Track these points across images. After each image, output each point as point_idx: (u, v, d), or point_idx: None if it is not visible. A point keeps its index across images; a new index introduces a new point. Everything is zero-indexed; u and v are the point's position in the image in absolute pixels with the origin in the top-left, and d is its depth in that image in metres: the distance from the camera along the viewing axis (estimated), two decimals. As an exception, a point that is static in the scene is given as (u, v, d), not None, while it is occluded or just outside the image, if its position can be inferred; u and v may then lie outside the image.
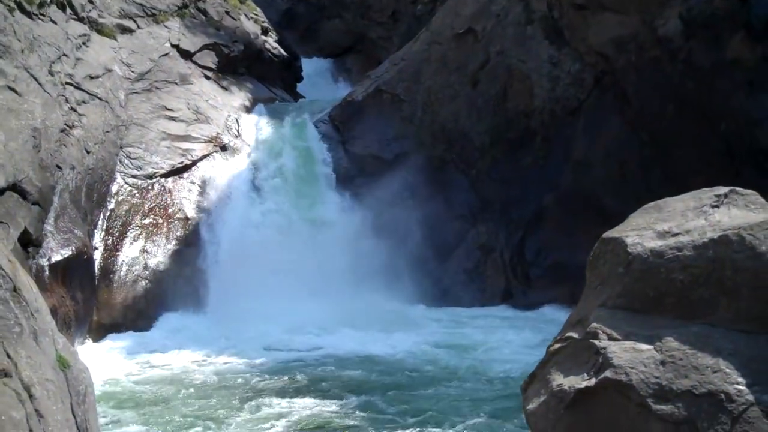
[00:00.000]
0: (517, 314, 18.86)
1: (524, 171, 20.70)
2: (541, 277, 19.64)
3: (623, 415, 5.02)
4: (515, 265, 20.36)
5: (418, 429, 11.50)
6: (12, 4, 17.65)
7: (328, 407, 12.50)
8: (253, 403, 12.70)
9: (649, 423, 4.88)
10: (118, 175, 19.38)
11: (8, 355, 5.99)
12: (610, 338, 5.27)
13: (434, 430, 11.41)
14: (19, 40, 17.18)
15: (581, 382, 5.22)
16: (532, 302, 19.17)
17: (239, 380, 14.16)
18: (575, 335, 5.58)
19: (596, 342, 5.28)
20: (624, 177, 19.38)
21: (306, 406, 12.52)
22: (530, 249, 20.30)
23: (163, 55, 23.10)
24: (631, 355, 5.08)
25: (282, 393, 13.31)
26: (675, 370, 4.94)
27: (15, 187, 14.64)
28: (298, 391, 13.38)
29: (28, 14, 18.39)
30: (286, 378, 14.23)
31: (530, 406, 5.55)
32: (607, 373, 5.07)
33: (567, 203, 19.92)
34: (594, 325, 5.40)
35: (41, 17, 18.94)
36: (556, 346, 5.69)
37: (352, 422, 11.88)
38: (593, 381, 5.15)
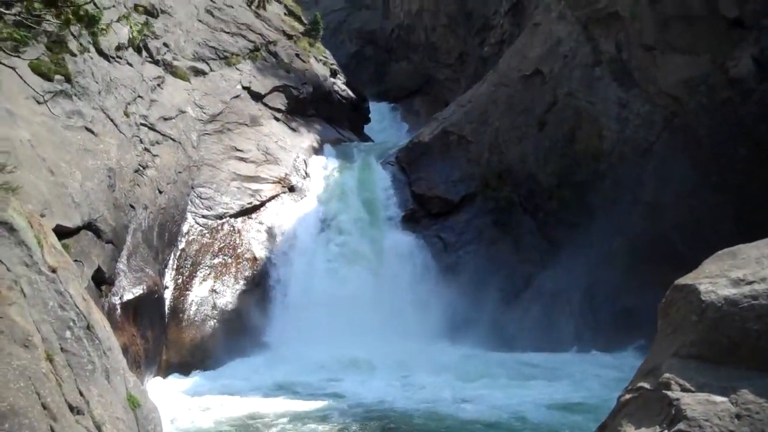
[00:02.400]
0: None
1: (593, 214, 20.43)
2: (611, 322, 19.25)
3: (697, 470, 4.88)
4: (584, 310, 20.03)
5: None
6: (90, 47, 18.22)
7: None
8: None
9: (724, 478, 4.74)
10: (189, 215, 19.72)
11: (81, 393, 6.11)
12: (683, 389, 5.15)
13: None
14: (97, 82, 17.69)
15: (653, 434, 5.11)
16: (601, 348, 18.79)
17: (311, 426, 13.68)
18: (647, 385, 5.46)
19: (669, 393, 5.17)
20: (696, 221, 19.00)
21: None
22: (599, 294, 19.95)
23: (234, 97, 23.60)
24: (705, 408, 4.96)
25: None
26: (751, 424, 4.80)
27: (90, 226, 14.95)
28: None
29: (106, 57, 18.96)
30: (362, 427, 13.73)
31: (600, 458, 5.43)
32: (681, 426, 4.94)
33: (637, 247, 19.56)
34: (666, 375, 5.28)
35: (118, 60, 19.51)
36: (627, 396, 5.57)
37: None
38: (666, 433, 5.03)
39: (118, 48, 19.60)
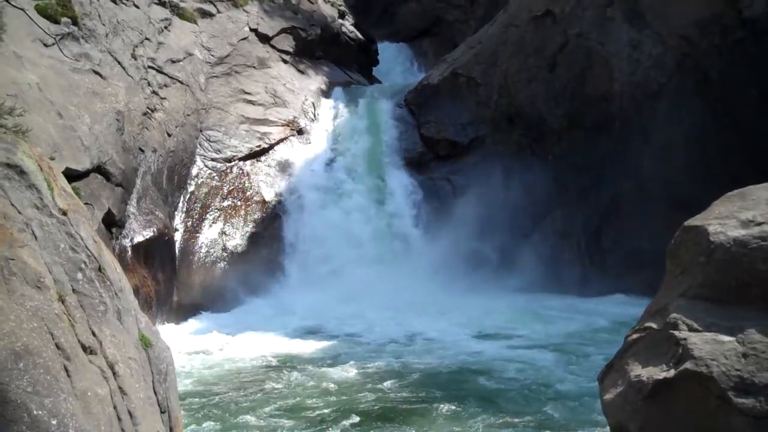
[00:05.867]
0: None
1: (602, 156, 20.35)
2: (618, 264, 19.30)
3: (703, 408, 4.94)
4: (592, 252, 20.08)
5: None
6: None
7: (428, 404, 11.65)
8: (334, 393, 12.31)
9: (730, 416, 4.79)
10: (198, 158, 19.76)
11: (93, 333, 6.18)
12: (691, 329, 5.18)
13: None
14: (104, 25, 17.58)
15: (660, 373, 5.15)
16: (608, 290, 18.85)
17: (325, 368, 13.65)
18: (654, 325, 5.50)
19: (676, 333, 5.20)
20: (705, 163, 18.91)
21: (395, 398, 11.90)
22: (607, 236, 19.98)
23: (242, 39, 23.41)
24: (712, 347, 5.00)
25: (359, 382, 12.87)
26: (757, 363, 4.84)
27: (99, 169, 15.00)
28: (381, 380, 12.82)
29: (113, -1, 18.84)
30: (366, 365, 13.76)
31: (607, 397, 5.49)
32: (687, 365, 4.99)
33: (646, 189, 19.52)
34: (674, 315, 5.31)
35: (125, 2, 19.35)
36: (635, 336, 5.62)
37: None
38: (672, 372, 5.07)
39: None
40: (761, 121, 18.43)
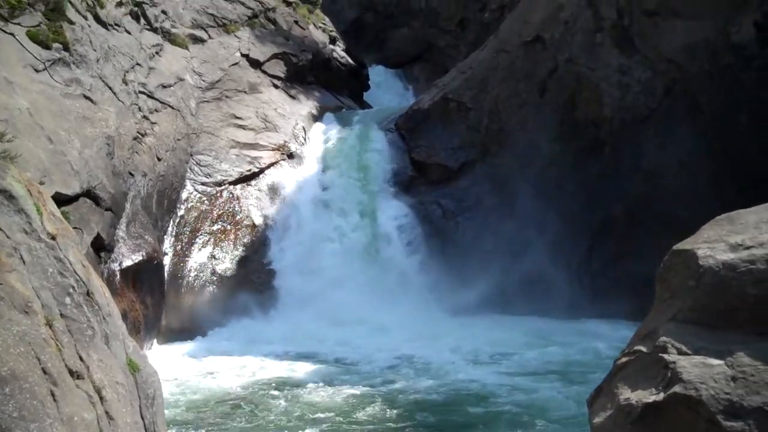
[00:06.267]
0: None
1: (592, 180, 20.42)
2: (609, 288, 19.29)
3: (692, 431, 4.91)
4: (582, 275, 20.07)
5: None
6: (88, 15, 18.13)
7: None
8: (323, 420, 12.18)
9: (720, 440, 4.77)
10: (188, 182, 19.76)
11: (81, 358, 6.14)
12: (680, 352, 5.16)
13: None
14: (95, 50, 17.61)
15: (649, 396, 5.13)
16: (598, 314, 18.81)
17: (308, 396, 13.52)
18: (644, 349, 5.48)
19: (665, 356, 5.18)
20: (695, 188, 18.98)
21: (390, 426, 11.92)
22: (597, 260, 19.98)
23: (233, 65, 23.49)
24: (701, 370, 4.98)
25: (350, 408, 12.76)
26: (746, 387, 4.82)
27: (89, 194, 14.97)
28: (372, 406, 12.76)
29: (104, 25, 18.87)
30: (357, 390, 13.65)
31: (596, 420, 5.46)
32: (677, 388, 4.96)
33: (636, 213, 19.57)
34: (663, 338, 5.30)
35: (116, 28, 19.40)
36: (624, 359, 5.59)
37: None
38: (662, 396, 5.05)
39: (116, 15, 19.50)
40: (750, 146, 18.53)
